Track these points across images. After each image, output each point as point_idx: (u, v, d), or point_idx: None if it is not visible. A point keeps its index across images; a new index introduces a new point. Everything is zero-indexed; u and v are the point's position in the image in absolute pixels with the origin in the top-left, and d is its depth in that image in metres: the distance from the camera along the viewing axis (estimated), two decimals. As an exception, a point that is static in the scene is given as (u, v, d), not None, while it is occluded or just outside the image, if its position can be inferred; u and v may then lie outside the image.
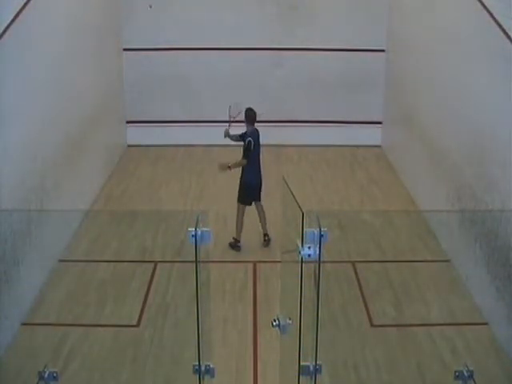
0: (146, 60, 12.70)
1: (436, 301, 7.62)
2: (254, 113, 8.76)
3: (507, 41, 6.92)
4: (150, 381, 6.37)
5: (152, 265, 8.45)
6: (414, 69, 10.80)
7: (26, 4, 7.37)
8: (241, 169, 8.81)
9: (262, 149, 8.88)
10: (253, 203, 8.87)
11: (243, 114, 8.77)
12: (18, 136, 7.25)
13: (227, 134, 8.88)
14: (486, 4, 7.60)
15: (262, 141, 8.80)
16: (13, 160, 7.07)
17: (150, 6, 11.68)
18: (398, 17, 11.92)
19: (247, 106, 8.82)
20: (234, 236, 8.88)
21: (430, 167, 9.73)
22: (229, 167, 8.68)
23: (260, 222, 8.92)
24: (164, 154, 12.60)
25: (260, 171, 8.86)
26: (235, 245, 8.87)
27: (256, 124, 8.82)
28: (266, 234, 8.94)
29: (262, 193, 8.89)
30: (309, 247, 4.04)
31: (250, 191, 8.80)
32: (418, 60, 10.58)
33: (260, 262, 8.61)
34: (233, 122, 8.91)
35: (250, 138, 8.64)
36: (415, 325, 7.25)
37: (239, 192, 8.82)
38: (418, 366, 6.49)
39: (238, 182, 8.86)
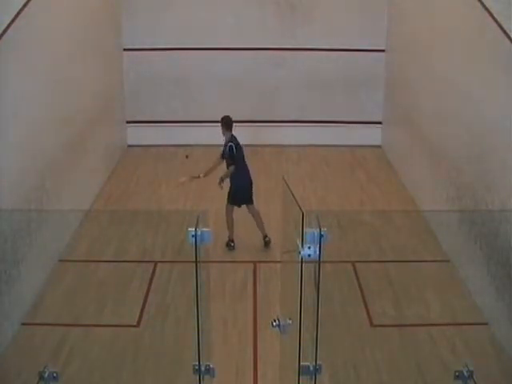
0: (146, 60, 12.70)
1: (436, 301, 7.62)
2: (230, 118, 8.80)
3: (507, 41, 6.92)
4: (150, 381, 6.37)
5: (152, 265, 8.45)
6: (414, 69, 10.80)
7: (26, 4, 7.37)
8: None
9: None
10: (245, 206, 8.87)
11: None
12: (18, 136, 7.26)
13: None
14: (485, 4, 7.60)
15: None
16: (13, 160, 7.07)
17: (187, 157, 11.89)
18: (398, 17, 11.92)
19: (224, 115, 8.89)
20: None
21: (430, 167, 9.73)
22: (221, 181, 8.73)
23: (257, 225, 8.91)
24: (164, 154, 12.60)
25: (248, 173, 8.86)
26: (229, 244, 8.89)
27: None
28: (265, 236, 8.91)
29: (253, 195, 8.88)
30: (309, 247, 4.04)
31: (240, 193, 8.84)
32: (418, 60, 10.58)
33: (260, 262, 8.61)
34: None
35: (230, 143, 8.68)
36: (415, 325, 7.25)
37: (229, 194, 8.86)
38: (417, 366, 6.49)
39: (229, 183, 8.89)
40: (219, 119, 8.88)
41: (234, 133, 8.84)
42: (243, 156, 8.85)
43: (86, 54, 10.06)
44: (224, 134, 8.82)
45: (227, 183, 8.86)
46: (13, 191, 7.04)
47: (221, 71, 12.73)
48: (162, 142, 12.90)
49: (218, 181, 8.73)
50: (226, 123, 8.79)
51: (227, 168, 8.78)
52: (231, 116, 8.87)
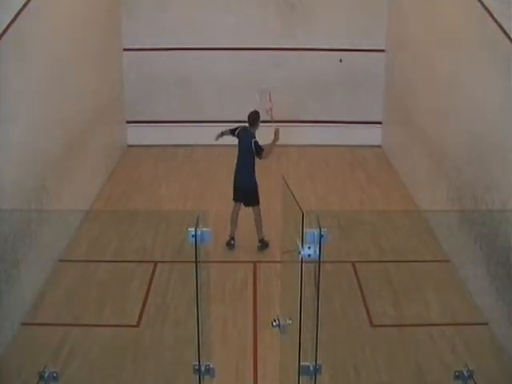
0: (146, 60, 12.70)
1: (436, 301, 7.62)
2: (251, 115, 8.78)
3: (507, 41, 6.92)
4: (150, 381, 6.37)
5: (152, 265, 8.45)
6: (414, 69, 10.80)
7: (26, 4, 7.37)
8: None
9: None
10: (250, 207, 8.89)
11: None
12: (19, 136, 7.26)
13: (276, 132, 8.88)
14: (485, 4, 7.60)
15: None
16: (13, 160, 7.07)
17: (341, 61, 12.45)
18: (398, 17, 11.92)
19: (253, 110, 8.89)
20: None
21: (430, 167, 9.73)
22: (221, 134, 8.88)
23: (256, 226, 8.88)
24: (164, 154, 12.60)
25: (244, 173, 8.78)
26: (229, 242, 8.89)
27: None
28: (260, 240, 8.88)
29: (257, 198, 8.82)
30: (309, 247, 4.04)
31: (234, 190, 8.89)
32: (418, 60, 10.58)
33: (260, 261, 8.61)
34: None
35: (254, 140, 8.71)
36: (415, 325, 7.25)
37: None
38: (417, 366, 6.49)
39: None
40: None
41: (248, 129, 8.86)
42: (243, 155, 8.77)
43: (86, 54, 10.06)
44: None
45: (226, 179, 8.86)
46: (13, 191, 7.04)
47: (221, 71, 12.73)
48: (162, 141, 12.89)
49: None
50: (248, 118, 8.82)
51: (259, 158, 8.74)
52: (235, 115, 8.83)
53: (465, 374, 4.80)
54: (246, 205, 8.86)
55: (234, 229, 8.90)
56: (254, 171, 8.82)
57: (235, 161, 8.89)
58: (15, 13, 7.13)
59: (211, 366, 4.57)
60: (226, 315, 7.36)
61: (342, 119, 13.00)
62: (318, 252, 4.05)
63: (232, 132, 8.92)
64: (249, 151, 8.73)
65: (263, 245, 8.86)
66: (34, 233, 7.53)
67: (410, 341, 6.93)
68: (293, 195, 4.32)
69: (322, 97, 12.92)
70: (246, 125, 8.83)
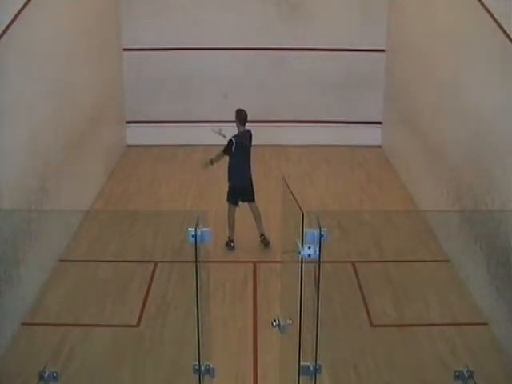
0: (146, 60, 12.71)
1: (436, 301, 7.62)
2: (245, 113, 8.74)
3: (507, 41, 6.92)
4: (150, 381, 6.37)
5: (152, 265, 8.45)
6: (414, 69, 10.80)
7: (26, 4, 7.37)
8: (227, 169, 8.84)
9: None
10: (247, 204, 8.89)
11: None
12: (19, 136, 7.25)
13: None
14: (485, 4, 7.60)
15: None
16: (13, 160, 7.07)
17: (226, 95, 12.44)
18: (398, 17, 11.92)
19: (239, 107, 8.83)
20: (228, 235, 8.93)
21: (430, 167, 9.73)
22: (211, 162, 8.80)
23: (255, 222, 8.92)
24: (164, 154, 12.60)
25: (247, 173, 8.84)
26: (229, 244, 8.89)
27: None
28: (262, 234, 8.91)
29: (254, 193, 8.89)
30: (309, 247, 4.04)
31: (235, 192, 8.85)
32: (417, 60, 10.58)
33: (260, 262, 8.61)
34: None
35: (231, 138, 8.66)
36: (415, 325, 7.25)
37: (227, 192, 8.92)
38: (418, 365, 6.49)
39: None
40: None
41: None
42: (246, 156, 8.79)
43: (86, 54, 10.06)
44: (237, 128, 8.80)
45: (225, 180, 8.85)
46: (13, 191, 7.04)
47: (221, 71, 12.73)
48: (162, 141, 12.90)
49: (210, 160, 8.80)
50: (236, 117, 8.75)
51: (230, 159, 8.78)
52: (235, 115, 8.82)
53: (465, 374, 4.80)
54: (246, 201, 8.87)
55: (232, 232, 8.91)
56: None
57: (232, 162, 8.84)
58: (15, 13, 7.13)
59: (211, 366, 4.57)
60: (226, 315, 7.36)
61: (342, 119, 13.00)
62: (318, 252, 4.05)
63: (229, 149, 8.71)
64: (248, 149, 8.78)
65: (265, 239, 8.87)
66: (34, 233, 7.53)
67: (409, 341, 6.93)
68: (293, 195, 4.32)
69: (322, 97, 12.92)
70: (242, 128, 8.73)
